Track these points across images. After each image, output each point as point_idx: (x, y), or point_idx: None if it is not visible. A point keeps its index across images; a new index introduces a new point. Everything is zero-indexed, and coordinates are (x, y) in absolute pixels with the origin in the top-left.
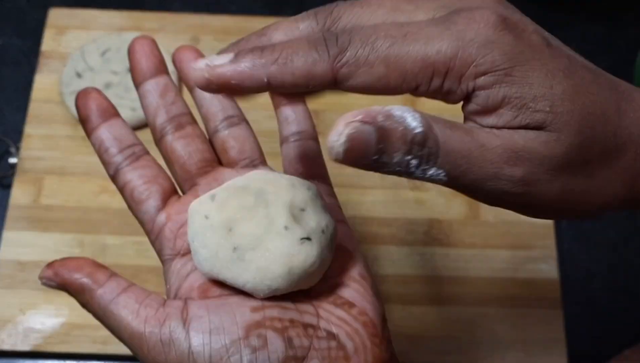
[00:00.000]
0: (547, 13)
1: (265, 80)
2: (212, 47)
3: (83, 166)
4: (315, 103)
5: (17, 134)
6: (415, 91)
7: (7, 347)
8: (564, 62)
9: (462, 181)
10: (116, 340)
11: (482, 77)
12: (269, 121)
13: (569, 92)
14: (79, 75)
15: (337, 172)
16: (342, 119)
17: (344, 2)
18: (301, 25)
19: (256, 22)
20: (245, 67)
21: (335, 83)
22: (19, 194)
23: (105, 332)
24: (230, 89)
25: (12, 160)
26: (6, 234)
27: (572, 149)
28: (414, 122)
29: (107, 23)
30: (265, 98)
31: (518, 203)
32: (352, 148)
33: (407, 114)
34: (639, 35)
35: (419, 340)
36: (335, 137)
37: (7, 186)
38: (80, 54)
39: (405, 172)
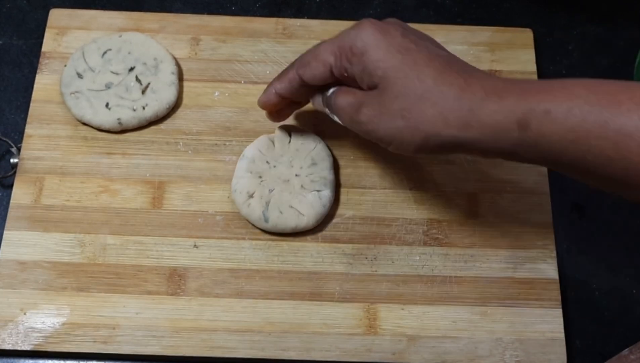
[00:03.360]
0: (548, 13)
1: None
2: (212, 47)
3: (83, 166)
4: None
5: (18, 135)
6: (333, 72)
7: (8, 346)
8: (404, 45)
9: (344, 122)
10: (117, 340)
11: (353, 58)
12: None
13: (397, 64)
14: (79, 75)
15: (337, 172)
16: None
17: None
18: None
19: (256, 23)
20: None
21: (302, 80)
22: (19, 194)
23: (106, 332)
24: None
25: (13, 160)
26: (7, 234)
27: (384, 95)
28: (330, 91)
29: (108, 23)
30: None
31: (368, 132)
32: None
33: (333, 87)
34: (638, 35)
35: (418, 339)
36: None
37: (8, 186)
38: (80, 55)
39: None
